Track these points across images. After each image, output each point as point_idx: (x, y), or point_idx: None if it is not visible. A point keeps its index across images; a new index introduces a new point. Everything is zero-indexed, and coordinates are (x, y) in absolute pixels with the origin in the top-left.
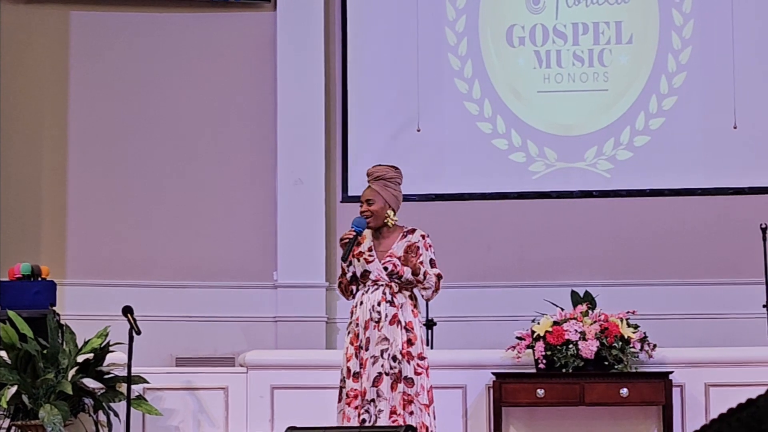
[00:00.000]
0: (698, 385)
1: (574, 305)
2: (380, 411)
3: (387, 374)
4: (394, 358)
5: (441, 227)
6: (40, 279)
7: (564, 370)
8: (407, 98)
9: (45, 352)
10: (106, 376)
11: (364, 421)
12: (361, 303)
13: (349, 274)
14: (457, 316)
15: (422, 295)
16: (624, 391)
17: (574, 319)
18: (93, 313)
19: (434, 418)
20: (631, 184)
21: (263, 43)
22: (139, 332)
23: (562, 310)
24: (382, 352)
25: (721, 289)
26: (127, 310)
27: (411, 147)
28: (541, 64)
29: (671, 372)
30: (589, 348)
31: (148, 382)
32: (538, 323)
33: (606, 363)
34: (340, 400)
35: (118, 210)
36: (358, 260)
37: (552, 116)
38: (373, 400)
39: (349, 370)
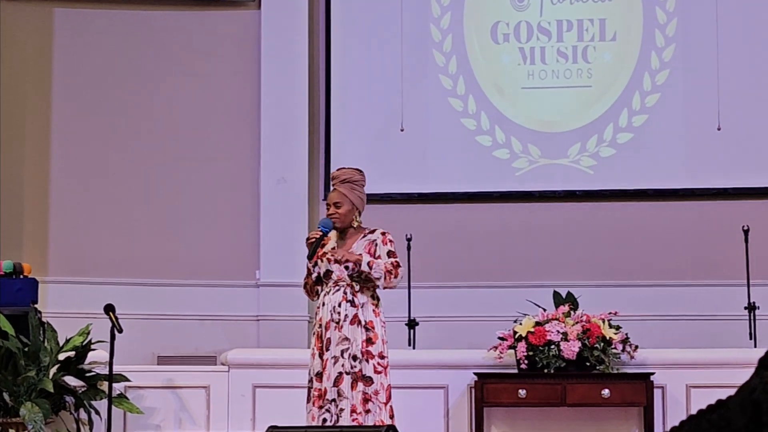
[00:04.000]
0: (679, 387)
1: (557, 306)
2: (341, 410)
3: (347, 374)
4: (354, 358)
5: (423, 227)
6: (21, 276)
7: (546, 371)
8: (391, 95)
9: (26, 349)
10: (88, 374)
11: (324, 420)
12: (324, 304)
13: (314, 275)
14: (439, 316)
15: (378, 285)
16: (605, 392)
17: (557, 319)
18: (75, 310)
19: (391, 417)
20: (614, 182)
21: (247, 42)
22: (120, 330)
23: (545, 310)
24: (342, 351)
25: (704, 290)
26: (109, 308)
27: (394, 145)
28: (525, 60)
29: (653, 373)
30: (571, 349)
31: (129, 381)
32: (521, 324)
33: (588, 364)
34: (308, 401)
35: (100, 208)
36: (321, 260)
37: (536, 113)
38: (334, 400)
39: (313, 370)
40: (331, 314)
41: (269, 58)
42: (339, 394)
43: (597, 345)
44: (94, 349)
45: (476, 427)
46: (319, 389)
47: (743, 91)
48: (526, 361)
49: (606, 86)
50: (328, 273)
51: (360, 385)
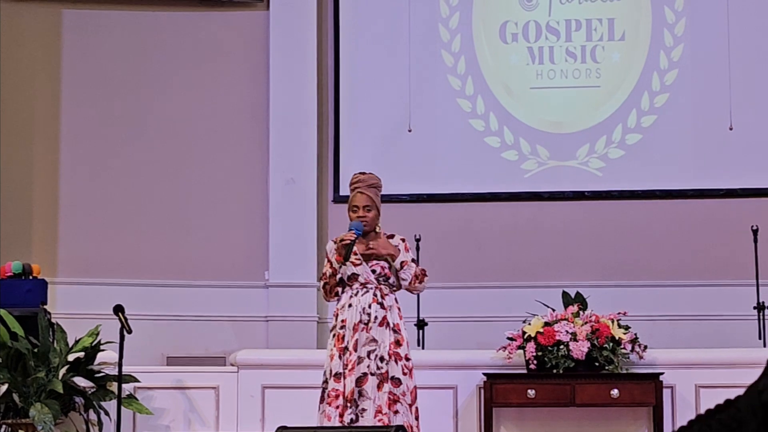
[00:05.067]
0: (689, 386)
1: (566, 306)
2: (363, 410)
3: (373, 374)
4: (382, 359)
5: (432, 227)
6: (31, 277)
7: (555, 371)
8: (400, 96)
9: (36, 350)
10: (97, 375)
11: (352, 420)
12: (350, 305)
13: (338, 276)
14: (448, 316)
15: (404, 287)
16: (615, 392)
17: (566, 319)
18: (84, 311)
19: (417, 419)
20: (623, 184)
21: (256, 43)
22: (130, 331)
23: (553, 310)
24: (368, 353)
25: (712, 290)
26: (118, 309)
27: (403, 146)
28: (533, 60)
29: (662, 373)
30: (580, 349)
31: (138, 381)
32: (529, 324)
33: (597, 364)
34: (322, 401)
35: (109, 209)
36: (346, 264)
37: (544, 113)
38: (355, 400)
39: (331, 371)
40: (360, 315)
41: (278, 59)
42: (361, 395)
43: (606, 345)
44: (103, 350)
45: (485, 427)
46: (337, 390)
47: (754, 91)
48: (535, 362)
49: (615, 86)
50: (354, 276)
51: (386, 386)
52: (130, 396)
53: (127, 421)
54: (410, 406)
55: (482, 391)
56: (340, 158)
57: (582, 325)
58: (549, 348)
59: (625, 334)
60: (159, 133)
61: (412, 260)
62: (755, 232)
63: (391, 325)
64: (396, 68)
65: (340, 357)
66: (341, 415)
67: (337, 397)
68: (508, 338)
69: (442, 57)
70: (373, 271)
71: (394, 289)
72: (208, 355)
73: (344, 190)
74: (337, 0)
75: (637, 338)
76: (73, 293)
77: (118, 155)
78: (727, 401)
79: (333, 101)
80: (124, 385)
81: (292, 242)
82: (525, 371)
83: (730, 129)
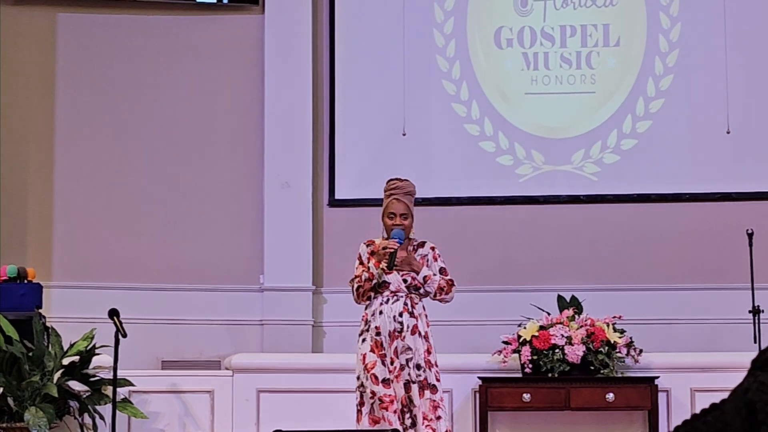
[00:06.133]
0: (684, 390)
1: (561, 310)
2: (415, 416)
3: (414, 382)
4: (419, 367)
5: (427, 231)
6: (26, 281)
7: (550, 375)
8: (395, 100)
9: (31, 354)
10: (92, 379)
11: (406, 427)
12: (381, 312)
13: (374, 281)
14: (443, 320)
15: (431, 297)
16: (610, 396)
17: (561, 323)
18: (79, 315)
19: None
20: (618, 188)
21: (251, 46)
22: (125, 335)
23: (549, 314)
24: (407, 360)
25: (708, 294)
26: (113, 313)
27: (398, 150)
28: (528, 66)
29: (657, 377)
30: (575, 353)
31: (133, 385)
32: (525, 328)
33: (592, 368)
34: (362, 404)
35: (104, 212)
36: (389, 272)
37: (539, 118)
38: (408, 405)
39: (375, 377)
40: (393, 324)
41: (273, 63)
42: (411, 401)
43: (601, 349)
44: (98, 354)
45: (480, 431)
46: (390, 395)
47: (749, 95)
48: (530, 365)
49: (610, 92)
50: (385, 283)
51: (427, 393)
52: (125, 400)
53: (122, 425)
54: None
55: (477, 394)
56: (336, 162)
57: (577, 328)
58: (544, 352)
59: (620, 337)
60: (154, 136)
61: (441, 270)
62: (750, 235)
63: (423, 333)
64: (391, 73)
65: (382, 363)
66: (401, 420)
67: (392, 402)
68: (504, 342)
69: (437, 62)
70: (404, 281)
71: (423, 296)
72: (203, 359)
73: (339, 193)
74: (332, 4)
75: (632, 342)
76: (68, 297)
77: (113, 159)
78: (713, 404)
79: (328, 105)
80: (119, 389)
81: (287, 246)
82: (520, 375)
83: (728, 132)
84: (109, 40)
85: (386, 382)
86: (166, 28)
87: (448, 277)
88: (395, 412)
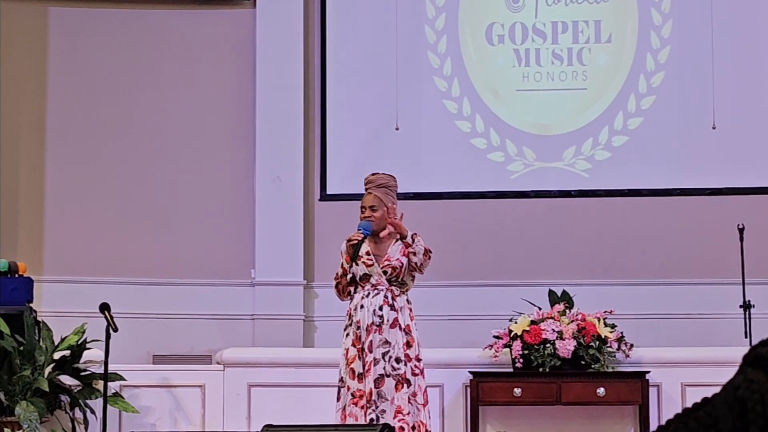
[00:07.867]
0: (675, 385)
1: (552, 304)
2: (382, 411)
3: (389, 376)
4: (397, 360)
5: (418, 225)
6: (17, 276)
7: (541, 370)
8: (386, 96)
9: (21, 348)
10: (83, 373)
11: (372, 420)
12: (362, 306)
13: (349, 276)
14: (435, 314)
15: (414, 263)
16: (601, 391)
17: (552, 318)
18: (70, 310)
19: (429, 417)
20: (609, 184)
21: (242, 41)
22: (116, 329)
23: (540, 309)
24: (383, 354)
25: (699, 289)
26: (104, 307)
27: (389, 145)
28: (520, 62)
29: (648, 372)
30: (566, 347)
31: (124, 380)
32: (516, 322)
33: (583, 362)
34: (338, 399)
35: (96, 207)
36: (357, 264)
37: (530, 115)
38: (374, 401)
39: (353, 371)
40: (372, 317)
41: (264, 57)
42: (380, 396)
43: (592, 343)
44: (89, 348)
45: (472, 425)
46: (361, 390)
47: (738, 91)
48: (521, 360)
49: (601, 89)
50: (366, 276)
51: (405, 387)
52: (116, 394)
53: (113, 420)
54: (423, 405)
55: (468, 389)
56: (327, 156)
57: (568, 323)
58: (535, 346)
59: (611, 332)
60: (145, 131)
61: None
62: (741, 230)
63: (403, 327)
64: (382, 68)
65: (359, 357)
66: (366, 415)
67: (361, 397)
68: (495, 337)
69: (428, 58)
70: (384, 273)
71: (406, 289)
72: (194, 353)
73: (331, 188)
74: None
75: (623, 337)
76: (59, 291)
77: (104, 153)
78: (704, 399)
79: (320, 99)
80: (110, 384)
81: (278, 241)
82: (511, 370)
83: (713, 128)
84: (99, 35)
85: (360, 376)
86: (157, 22)
87: (427, 247)
88: (362, 407)
